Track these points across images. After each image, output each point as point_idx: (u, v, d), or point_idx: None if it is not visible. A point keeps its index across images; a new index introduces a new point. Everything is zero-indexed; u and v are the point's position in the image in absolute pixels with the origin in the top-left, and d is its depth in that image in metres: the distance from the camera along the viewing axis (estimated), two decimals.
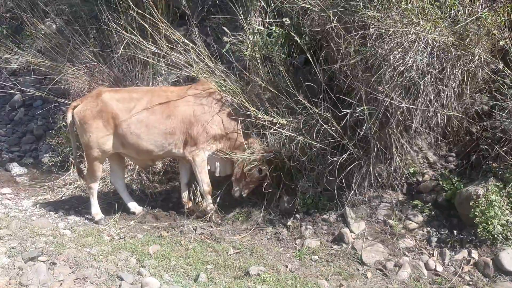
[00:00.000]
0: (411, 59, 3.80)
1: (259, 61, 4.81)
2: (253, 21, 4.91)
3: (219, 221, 4.76)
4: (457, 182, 4.10)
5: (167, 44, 4.94)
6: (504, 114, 3.90)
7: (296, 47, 4.73)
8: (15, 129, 7.48)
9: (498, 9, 3.85)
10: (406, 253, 3.91)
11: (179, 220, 4.80)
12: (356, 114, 4.06)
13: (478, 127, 4.22)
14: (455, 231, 3.94)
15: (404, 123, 4.06)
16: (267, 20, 4.77)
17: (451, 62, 3.90)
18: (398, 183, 4.30)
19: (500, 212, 3.64)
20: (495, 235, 3.65)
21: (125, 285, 3.30)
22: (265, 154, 4.62)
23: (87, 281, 3.35)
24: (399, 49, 3.86)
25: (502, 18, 3.82)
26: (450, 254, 3.80)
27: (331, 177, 4.36)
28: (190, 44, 4.85)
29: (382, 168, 4.30)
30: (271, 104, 4.63)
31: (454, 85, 3.96)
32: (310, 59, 4.40)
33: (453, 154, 4.33)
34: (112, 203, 5.15)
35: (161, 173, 5.59)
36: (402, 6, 3.85)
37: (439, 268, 3.73)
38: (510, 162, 3.82)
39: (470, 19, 3.81)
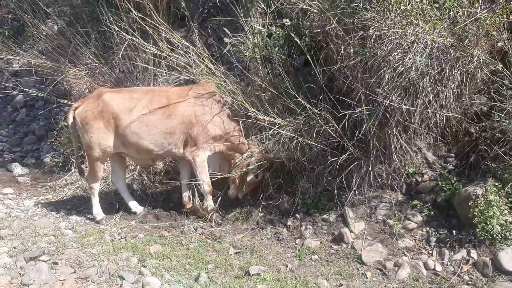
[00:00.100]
0: (410, 60, 3.82)
1: (259, 62, 4.83)
2: (254, 22, 4.94)
3: (220, 221, 4.78)
4: (456, 182, 4.11)
5: (168, 46, 4.96)
6: (502, 115, 3.91)
7: (296, 48, 4.75)
8: (17, 129, 7.51)
9: (497, 11, 3.87)
10: (406, 253, 3.93)
11: (180, 220, 4.83)
12: (356, 115, 4.08)
13: (477, 127, 4.24)
14: (454, 231, 3.95)
15: (403, 124, 4.08)
16: (267, 21, 4.79)
17: (450, 63, 3.92)
18: (398, 183, 4.32)
19: (499, 212, 3.65)
20: (494, 235, 3.66)
21: (126, 285, 3.32)
22: (263, 158, 4.63)
23: (88, 281, 3.36)
24: (398, 50, 3.88)
25: (501, 19, 3.84)
26: (449, 254, 3.82)
27: (331, 177, 4.38)
28: (190, 46, 4.88)
29: (382, 168, 4.32)
30: (271, 105, 4.65)
31: (453, 86, 3.97)
32: (310, 60, 4.43)
33: (452, 155, 4.34)
34: (113, 203, 5.18)
35: (162, 173, 5.61)
36: (401, 7, 3.87)
37: (438, 268, 3.74)
38: (509, 162, 3.83)
39: (469, 20, 3.82)
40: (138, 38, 5.00)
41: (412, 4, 3.86)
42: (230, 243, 4.27)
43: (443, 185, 4.17)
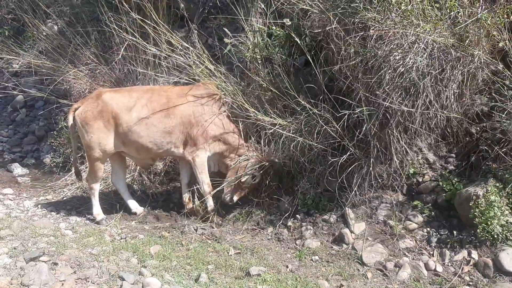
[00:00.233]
0: (411, 61, 3.82)
1: (259, 62, 4.83)
2: (254, 22, 4.93)
3: (220, 222, 4.77)
4: (457, 183, 4.11)
5: (168, 47, 4.96)
6: (503, 115, 3.91)
7: (296, 48, 4.75)
8: (17, 130, 7.50)
9: (497, 11, 3.87)
10: (406, 253, 3.92)
11: (180, 221, 4.82)
12: (356, 115, 4.08)
13: (478, 128, 4.23)
14: (455, 232, 3.95)
15: (404, 124, 4.07)
16: (268, 21, 4.79)
17: (451, 63, 3.91)
18: (398, 183, 4.31)
19: (500, 212, 3.65)
20: (495, 236, 3.66)
21: (126, 285, 3.31)
22: (263, 161, 4.63)
23: (88, 281, 3.36)
24: (399, 51, 3.87)
25: (502, 19, 3.84)
26: (450, 255, 3.81)
27: (332, 178, 4.37)
28: (190, 47, 4.87)
29: (382, 168, 4.32)
30: (272, 105, 4.65)
31: (454, 86, 3.97)
32: (310, 60, 4.42)
33: (453, 155, 4.34)
34: (113, 204, 5.17)
35: (162, 174, 5.61)
36: (402, 7, 3.87)
37: (439, 269, 3.74)
38: (510, 163, 3.83)
39: (470, 20, 3.82)
40: (138, 39, 4.99)
41: (412, 4, 3.86)
42: (231, 244, 4.27)
43: (444, 186, 4.16)
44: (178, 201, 5.23)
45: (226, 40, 4.90)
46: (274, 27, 4.78)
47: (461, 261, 3.74)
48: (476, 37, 3.87)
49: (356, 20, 4.00)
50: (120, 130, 4.66)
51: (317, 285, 3.58)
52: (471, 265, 3.70)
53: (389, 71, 3.90)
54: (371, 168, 4.22)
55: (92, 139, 4.67)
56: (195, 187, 4.91)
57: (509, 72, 3.92)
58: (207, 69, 4.92)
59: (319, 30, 4.39)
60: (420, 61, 3.78)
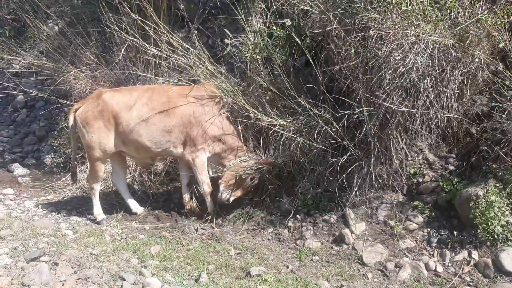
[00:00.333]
0: (411, 61, 3.82)
1: (260, 62, 4.83)
2: (254, 22, 4.94)
3: (220, 222, 4.77)
4: (457, 183, 4.11)
5: (168, 47, 4.96)
6: (504, 116, 3.91)
7: (296, 49, 4.75)
8: (18, 130, 7.50)
9: (498, 11, 3.87)
10: (407, 253, 3.92)
11: (181, 221, 4.82)
12: (357, 116, 4.08)
13: (478, 128, 4.23)
14: (455, 232, 3.95)
15: (404, 125, 4.07)
16: (268, 20, 4.79)
17: (451, 63, 3.91)
18: (399, 184, 4.31)
19: (500, 213, 3.65)
20: (495, 236, 3.66)
21: (126, 285, 3.31)
22: (262, 163, 4.63)
23: (89, 281, 3.36)
24: (399, 51, 3.87)
25: (502, 20, 3.84)
26: (450, 255, 3.81)
27: (332, 178, 4.38)
28: (190, 48, 4.88)
29: (383, 169, 4.32)
30: (272, 106, 4.65)
31: (454, 86, 3.97)
32: (311, 60, 4.43)
33: (453, 155, 4.33)
34: (114, 204, 5.18)
35: (163, 174, 5.61)
36: (402, 8, 3.87)
37: (440, 269, 3.74)
38: (510, 163, 3.82)
39: (470, 21, 3.82)
40: (138, 39, 5.00)
41: (413, 5, 3.86)
42: (231, 244, 4.27)
43: (444, 186, 4.16)
44: (178, 201, 5.23)
45: (226, 40, 4.90)
46: (274, 28, 4.78)
47: (462, 262, 3.74)
48: (477, 37, 3.87)
49: (357, 21, 4.01)
50: (120, 129, 4.66)
51: (318, 285, 3.58)
52: (471, 266, 3.70)
53: (390, 71, 3.90)
54: (371, 169, 4.22)
55: (92, 139, 4.68)
56: (195, 187, 4.92)
57: (509, 73, 3.92)
58: (208, 70, 4.92)
59: (320, 31, 4.39)
60: (421, 62, 3.78)
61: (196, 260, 3.89)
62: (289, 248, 4.22)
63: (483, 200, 3.68)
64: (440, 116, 4.00)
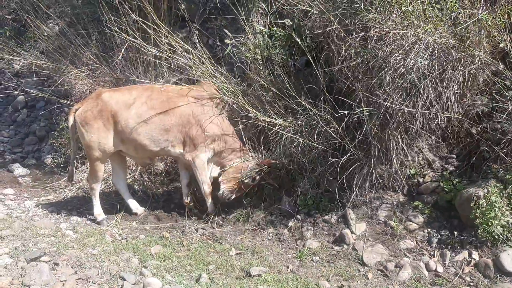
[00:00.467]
0: (411, 61, 3.82)
1: (260, 63, 4.84)
2: (255, 23, 4.94)
3: (221, 222, 4.77)
4: (457, 184, 4.11)
5: (169, 48, 4.97)
6: (504, 116, 3.91)
7: (297, 49, 4.76)
8: (18, 130, 7.51)
9: (498, 12, 3.87)
10: (407, 254, 3.92)
11: (181, 221, 4.83)
12: (357, 116, 4.08)
13: (479, 128, 4.23)
14: (455, 232, 3.95)
15: (404, 125, 4.07)
16: (269, 21, 4.80)
17: (451, 64, 3.91)
18: (399, 184, 4.31)
19: (501, 213, 3.65)
20: (496, 236, 3.66)
21: (127, 285, 3.31)
22: (263, 164, 4.64)
23: (89, 281, 3.36)
24: (399, 51, 3.88)
25: (503, 20, 3.84)
26: (450, 255, 3.81)
27: (332, 178, 4.38)
28: (190, 48, 4.88)
29: (383, 169, 4.32)
30: (272, 106, 4.65)
31: (454, 87, 3.97)
32: (311, 61, 4.43)
33: (454, 156, 4.33)
34: (114, 204, 5.18)
35: (163, 174, 5.62)
36: (403, 8, 3.87)
37: (440, 269, 3.74)
38: (510, 163, 3.82)
39: (471, 21, 3.82)
40: (139, 40, 5.00)
41: (413, 5, 3.86)
42: (231, 244, 4.27)
43: (445, 186, 4.16)
44: (179, 201, 5.23)
45: (226, 40, 4.91)
46: (275, 28, 4.79)
47: (462, 262, 3.74)
48: (477, 38, 3.87)
49: (357, 21, 4.01)
50: (119, 128, 4.66)
51: (318, 285, 3.58)
52: (471, 266, 3.70)
53: (390, 71, 3.90)
54: (371, 169, 4.22)
55: (92, 138, 4.68)
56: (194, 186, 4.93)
57: (509, 73, 3.92)
58: (208, 70, 4.92)
59: (320, 31, 4.40)
60: (421, 62, 3.79)
61: (197, 260, 3.89)
62: (289, 248, 4.22)
63: (484, 200, 3.68)
64: (441, 116, 4.00)
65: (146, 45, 5.02)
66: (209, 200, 4.82)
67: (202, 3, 6.24)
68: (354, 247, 4.06)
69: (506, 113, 3.90)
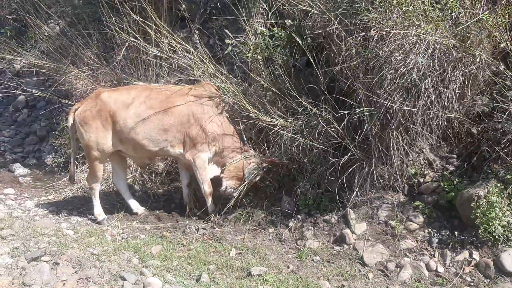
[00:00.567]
0: (412, 61, 3.82)
1: (261, 63, 4.84)
2: (255, 23, 4.94)
3: (221, 222, 4.77)
4: (458, 184, 4.11)
5: (170, 48, 4.97)
6: (505, 116, 3.91)
7: (297, 49, 4.76)
8: (19, 130, 7.52)
9: (499, 11, 3.87)
10: (407, 254, 3.92)
11: (181, 221, 4.83)
12: (357, 116, 4.08)
13: (479, 128, 4.23)
14: (456, 232, 3.95)
15: (405, 125, 4.07)
16: (269, 21, 4.80)
17: (452, 64, 3.91)
18: (399, 184, 4.31)
19: (501, 213, 3.65)
20: (496, 236, 3.66)
21: (127, 285, 3.31)
22: (265, 162, 4.64)
23: (90, 281, 3.36)
24: (400, 51, 3.88)
25: (503, 20, 3.84)
26: (451, 255, 3.81)
27: (333, 178, 4.38)
28: (191, 48, 4.88)
29: (384, 169, 4.31)
30: (273, 106, 4.65)
31: (455, 87, 3.97)
32: (312, 61, 4.43)
33: (454, 156, 4.33)
34: (114, 204, 5.18)
35: (164, 174, 5.62)
36: (403, 8, 3.87)
37: (440, 269, 3.74)
38: (511, 163, 3.82)
39: (471, 21, 3.82)
40: (139, 40, 5.00)
41: (414, 5, 3.86)
42: (232, 244, 4.27)
43: (445, 186, 4.16)
44: (179, 201, 5.24)
45: (227, 40, 4.91)
46: (275, 28, 4.79)
47: (462, 262, 3.73)
48: (478, 37, 3.87)
49: (357, 21, 4.01)
50: (118, 128, 4.66)
51: (318, 285, 3.58)
52: (472, 266, 3.70)
53: (390, 71, 3.90)
54: (372, 169, 4.22)
55: (91, 138, 4.68)
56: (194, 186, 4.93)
57: (510, 73, 3.92)
58: (209, 70, 4.92)
59: (320, 31, 4.40)
60: (421, 62, 3.78)
61: (197, 260, 3.90)
62: (290, 248, 4.22)
63: (484, 200, 3.68)
64: (441, 116, 4.00)
65: (146, 45, 5.02)
66: (209, 200, 4.82)
67: (202, 3, 6.25)
68: (355, 247, 4.06)
69: (506, 113, 3.90)
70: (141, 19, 4.92)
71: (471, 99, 4.14)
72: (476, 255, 3.73)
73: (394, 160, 4.18)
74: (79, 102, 4.97)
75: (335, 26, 4.12)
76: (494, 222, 3.63)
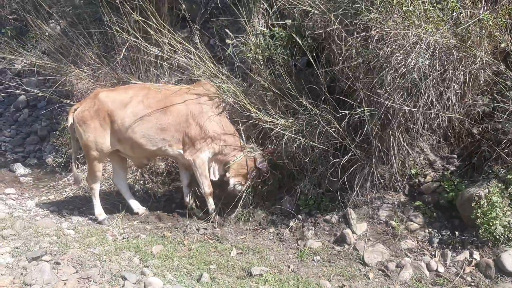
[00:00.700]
0: (412, 61, 3.82)
1: (261, 62, 4.84)
2: (256, 23, 4.94)
3: (222, 222, 4.78)
4: (458, 184, 4.11)
5: (170, 48, 4.97)
6: (505, 116, 3.91)
7: (298, 49, 4.76)
8: (19, 130, 7.53)
9: (499, 11, 3.87)
10: (408, 254, 3.92)
11: (182, 221, 4.83)
12: (358, 116, 4.08)
13: (480, 128, 4.23)
14: (456, 232, 3.95)
15: (405, 125, 4.07)
16: (270, 21, 4.80)
17: (452, 64, 3.91)
18: (400, 184, 4.31)
19: (502, 213, 3.65)
20: (497, 236, 3.66)
21: (128, 285, 3.32)
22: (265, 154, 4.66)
23: (90, 281, 3.37)
24: (400, 51, 3.88)
25: (504, 20, 3.83)
26: (451, 255, 3.81)
27: (333, 178, 4.38)
28: (192, 48, 4.88)
29: (384, 169, 4.31)
30: (273, 106, 4.66)
31: (455, 87, 3.97)
32: (312, 61, 4.43)
33: (455, 156, 4.33)
34: (115, 204, 5.19)
35: (164, 174, 5.62)
36: (404, 8, 3.87)
37: (441, 269, 3.74)
38: (511, 163, 3.83)
39: (472, 21, 3.82)
40: (140, 40, 5.01)
41: (414, 5, 3.86)
42: (232, 244, 4.27)
43: (446, 186, 4.16)
44: (180, 201, 5.24)
45: (228, 41, 4.91)
46: (276, 28, 4.79)
47: (463, 262, 3.74)
48: (478, 38, 3.87)
49: (358, 21, 4.01)
50: (115, 127, 4.66)
51: (319, 285, 3.58)
52: (472, 266, 3.70)
53: (391, 71, 3.90)
54: (372, 169, 4.22)
55: (89, 138, 4.69)
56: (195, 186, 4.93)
57: (511, 73, 3.91)
58: (209, 70, 4.92)
59: (321, 31, 4.40)
60: (422, 62, 3.78)
61: (198, 260, 3.90)
62: (290, 248, 4.23)
63: (485, 200, 3.68)
64: (442, 116, 4.00)
65: (147, 45, 5.02)
66: (209, 200, 4.82)
67: (203, 3, 6.25)
68: (355, 247, 4.06)
69: (507, 113, 3.90)
70: (141, 19, 4.92)
71: (472, 99, 4.14)
72: (476, 255, 3.73)
73: (394, 160, 4.18)
74: (78, 102, 4.98)
75: (335, 26, 4.12)
76: (494, 222, 3.63)
